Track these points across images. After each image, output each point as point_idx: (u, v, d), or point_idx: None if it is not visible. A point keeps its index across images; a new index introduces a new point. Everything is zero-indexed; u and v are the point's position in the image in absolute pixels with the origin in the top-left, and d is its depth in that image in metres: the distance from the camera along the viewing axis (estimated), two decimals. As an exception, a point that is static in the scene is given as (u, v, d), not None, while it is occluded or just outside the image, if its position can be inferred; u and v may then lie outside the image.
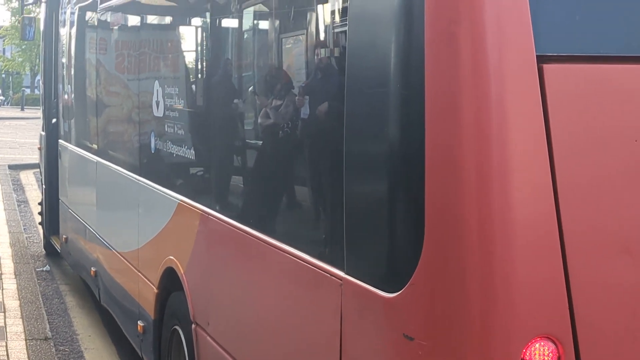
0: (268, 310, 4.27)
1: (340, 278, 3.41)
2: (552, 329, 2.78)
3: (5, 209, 15.01)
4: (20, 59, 58.53)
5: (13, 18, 55.02)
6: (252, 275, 4.48)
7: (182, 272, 5.56)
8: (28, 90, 62.29)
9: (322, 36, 3.80)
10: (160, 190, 6.13)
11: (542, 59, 2.77)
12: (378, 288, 3.14)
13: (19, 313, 8.68)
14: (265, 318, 4.32)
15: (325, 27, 3.75)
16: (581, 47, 2.84)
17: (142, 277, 6.57)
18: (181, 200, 5.64)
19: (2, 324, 8.26)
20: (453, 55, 2.79)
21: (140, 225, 6.73)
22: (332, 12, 3.68)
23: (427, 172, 2.86)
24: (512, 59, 2.75)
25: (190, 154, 5.57)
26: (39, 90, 12.50)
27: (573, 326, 2.79)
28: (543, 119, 2.76)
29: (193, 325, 5.34)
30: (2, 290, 9.56)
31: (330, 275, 3.50)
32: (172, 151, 5.94)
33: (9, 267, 10.74)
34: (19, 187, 18.68)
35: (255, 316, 4.45)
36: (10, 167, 21.44)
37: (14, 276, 10.26)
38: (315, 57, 3.82)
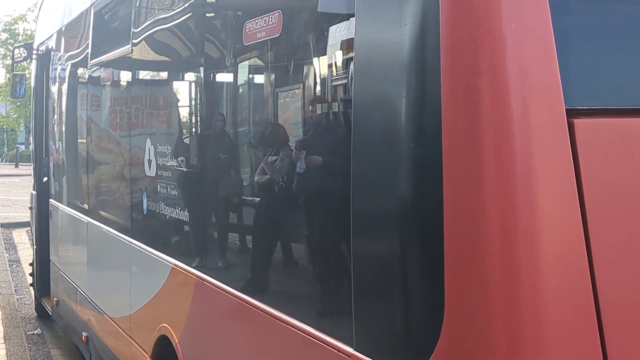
0: (269, 386, 3.96)
1: (349, 355, 3.10)
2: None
3: (-4, 270, 14.70)
4: (15, 115, 58.40)
5: (8, 75, 55.09)
6: (251, 348, 4.17)
7: (176, 340, 5.25)
8: (23, 147, 62.06)
9: (326, 91, 3.53)
10: (152, 254, 5.83)
11: (572, 113, 2.50)
12: (392, 368, 2.84)
13: (7, 381, 8.35)
14: (266, 394, 4.00)
15: (330, 80, 3.48)
16: (614, 99, 2.57)
17: (135, 344, 6.25)
18: (175, 265, 5.34)
19: (-11, 394, 7.93)
20: (473, 111, 2.52)
21: (132, 289, 6.42)
22: (336, 65, 3.42)
23: (447, 239, 2.57)
24: (539, 114, 2.48)
25: (183, 215, 5.29)
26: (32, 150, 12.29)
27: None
28: (575, 179, 2.48)
29: (188, 398, 5.02)
30: (-10, 356, 9.23)
31: (338, 351, 3.19)
32: (164, 212, 5.66)
33: (-2, 331, 10.42)
34: (11, 246, 18.34)
35: (255, 392, 4.13)
36: (3, 225, 21.10)
37: (3, 341, 9.92)
38: (318, 113, 3.55)
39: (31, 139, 11.75)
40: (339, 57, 3.37)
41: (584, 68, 2.58)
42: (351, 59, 3.13)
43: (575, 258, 2.48)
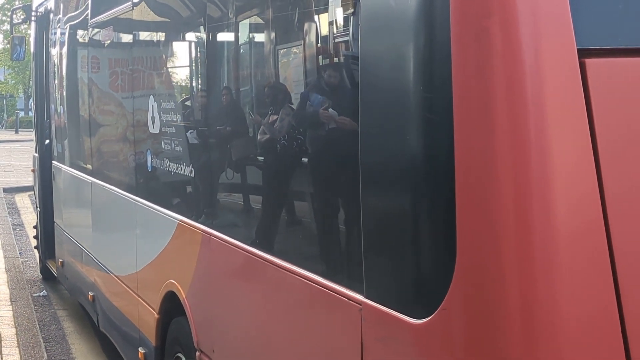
0: (279, 338, 3.96)
1: (360, 302, 3.10)
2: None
3: (0, 233, 14.71)
4: (13, 82, 58.21)
5: (5, 41, 54.83)
6: (260, 300, 4.17)
7: (183, 296, 5.26)
8: (22, 113, 61.96)
9: (327, 43, 3.49)
10: (158, 211, 5.83)
11: (583, 53, 2.47)
12: (404, 313, 2.83)
13: (15, 341, 8.38)
14: (275, 346, 4.01)
15: (335, 27, 3.45)
16: (627, 39, 2.54)
17: (142, 301, 6.27)
18: (180, 221, 5.34)
19: (-2, 354, 7.97)
20: (484, 52, 2.49)
21: (138, 247, 6.43)
22: (340, 14, 3.38)
23: (458, 183, 2.56)
24: (550, 54, 2.45)
25: (189, 171, 5.28)
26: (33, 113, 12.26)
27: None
28: (587, 120, 2.45)
29: (197, 353, 5.04)
30: (-2, 318, 9.27)
31: (348, 299, 3.19)
32: (169, 169, 5.65)
33: (4, 293, 10.45)
34: (14, 210, 18.38)
35: (265, 344, 4.14)
36: (5, 190, 21.14)
37: (9, 303, 9.96)
38: (321, 66, 3.52)
39: (31, 102, 11.72)
40: (344, 5, 3.34)
41: (596, 7, 2.54)
42: (357, 5, 3.10)
43: (588, 200, 2.46)
